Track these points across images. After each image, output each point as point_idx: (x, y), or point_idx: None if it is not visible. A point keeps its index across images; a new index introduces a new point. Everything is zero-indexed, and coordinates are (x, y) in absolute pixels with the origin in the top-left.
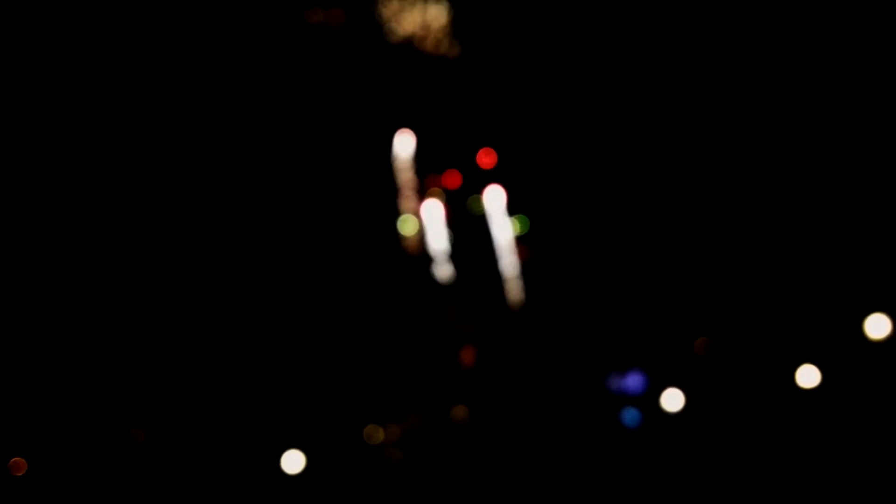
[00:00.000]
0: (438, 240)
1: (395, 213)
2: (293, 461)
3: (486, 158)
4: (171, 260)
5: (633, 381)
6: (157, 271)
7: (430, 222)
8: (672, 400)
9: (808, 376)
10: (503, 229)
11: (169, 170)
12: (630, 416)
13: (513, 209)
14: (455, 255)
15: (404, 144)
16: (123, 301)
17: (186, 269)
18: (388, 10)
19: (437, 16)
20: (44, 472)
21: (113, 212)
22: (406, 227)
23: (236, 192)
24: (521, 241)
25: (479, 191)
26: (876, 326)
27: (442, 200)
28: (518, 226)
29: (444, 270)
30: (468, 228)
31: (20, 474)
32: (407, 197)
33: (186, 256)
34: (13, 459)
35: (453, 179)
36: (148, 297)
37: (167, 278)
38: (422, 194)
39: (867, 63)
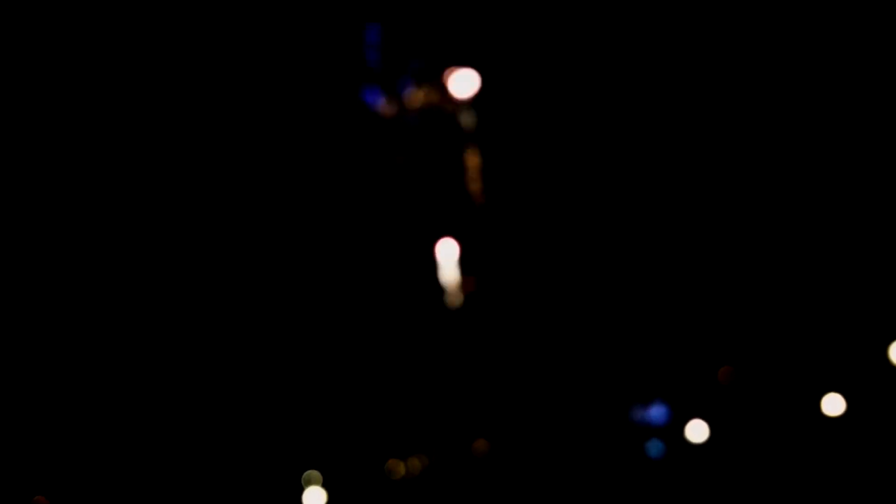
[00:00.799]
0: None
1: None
2: (315, 499)
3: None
4: (172, 262)
5: (657, 412)
6: (157, 272)
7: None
8: (696, 431)
9: (833, 405)
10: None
11: (168, 170)
12: (654, 447)
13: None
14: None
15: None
16: (122, 301)
17: (190, 274)
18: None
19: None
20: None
21: (113, 211)
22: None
23: (237, 191)
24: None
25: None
26: None
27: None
28: None
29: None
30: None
31: None
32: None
33: (188, 258)
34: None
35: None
36: (148, 300)
37: (168, 280)
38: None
39: (867, 63)
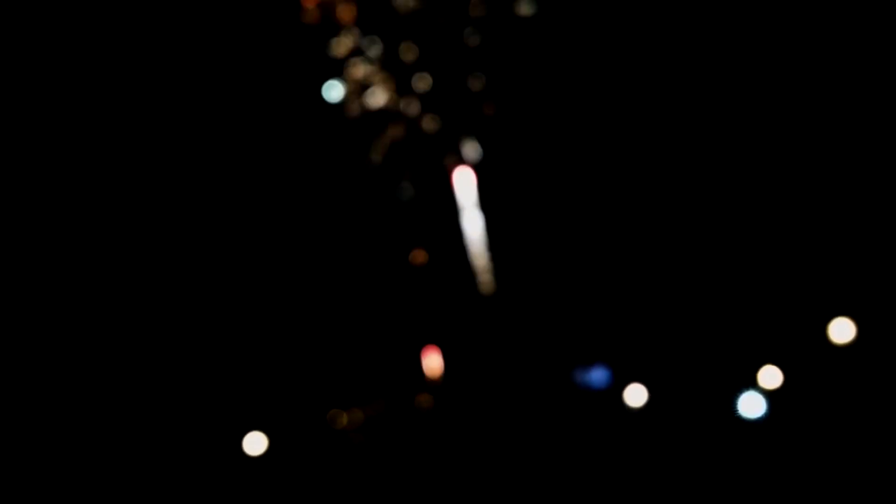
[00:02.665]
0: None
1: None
2: (255, 443)
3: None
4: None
5: (598, 376)
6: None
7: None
8: (635, 395)
9: (770, 377)
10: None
11: (168, 170)
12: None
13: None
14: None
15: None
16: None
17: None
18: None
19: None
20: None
21: (112, 211)
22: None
23: (236, 185)
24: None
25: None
26: (840, 331)
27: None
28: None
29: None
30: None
31: None
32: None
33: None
34: None
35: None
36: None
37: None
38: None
39: (867, 63)
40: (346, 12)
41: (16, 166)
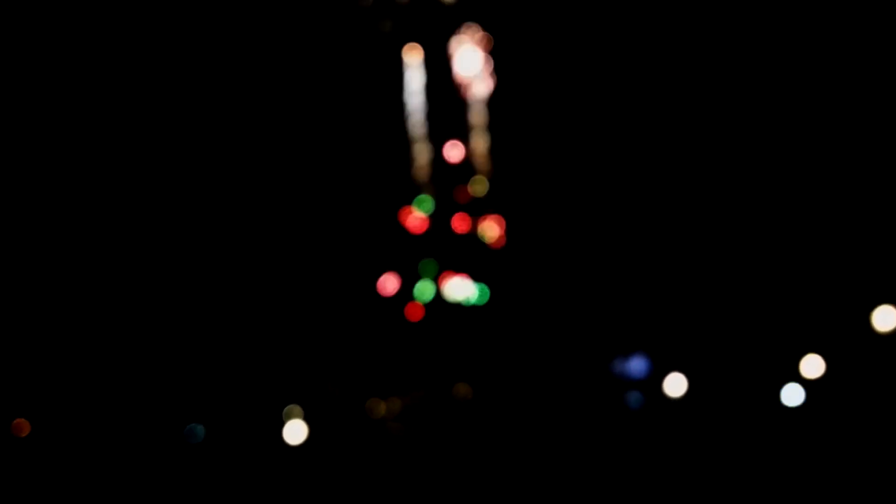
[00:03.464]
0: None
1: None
2: (296, 432)
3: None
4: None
5: (637, 365)
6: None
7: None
8: (675, 385)
9: (812, 366)
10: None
11: (169, 169)
12: (633, 398)
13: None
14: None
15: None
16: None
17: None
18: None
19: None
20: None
21: (112, 210)
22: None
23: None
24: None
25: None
26: (884, 318)
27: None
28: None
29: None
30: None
31: (24, 435)
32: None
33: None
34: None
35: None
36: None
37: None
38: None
39: (867, 63)
40: None
41: (16, 166)
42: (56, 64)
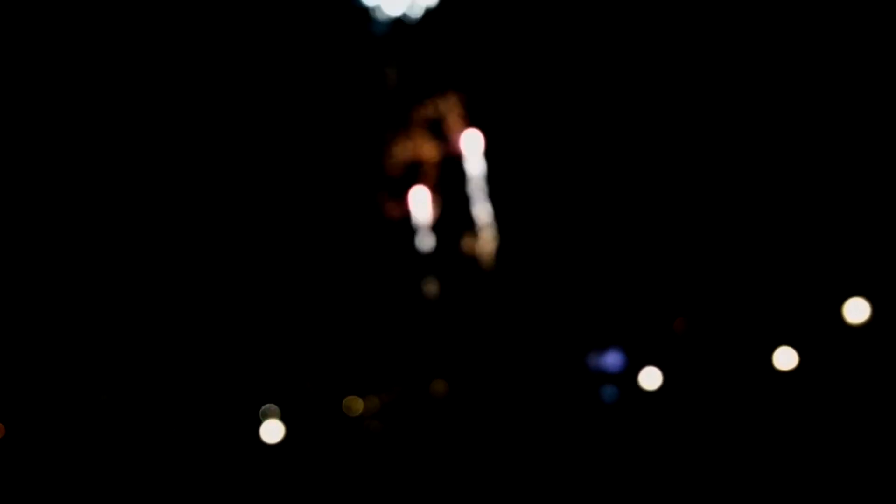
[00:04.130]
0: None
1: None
2: (272, 431)
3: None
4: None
5: (612, 360)
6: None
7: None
8: (650, 378)
9: (785, 358)
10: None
11: (174, 169)
12: (608, 392)
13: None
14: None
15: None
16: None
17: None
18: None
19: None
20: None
21: (112, 210)
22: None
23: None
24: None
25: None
26: (855, 311)
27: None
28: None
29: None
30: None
31: None
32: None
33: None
34: None
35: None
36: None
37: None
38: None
39: (867, 63)
40: None
41: (16, 166)
42: (56, 64)
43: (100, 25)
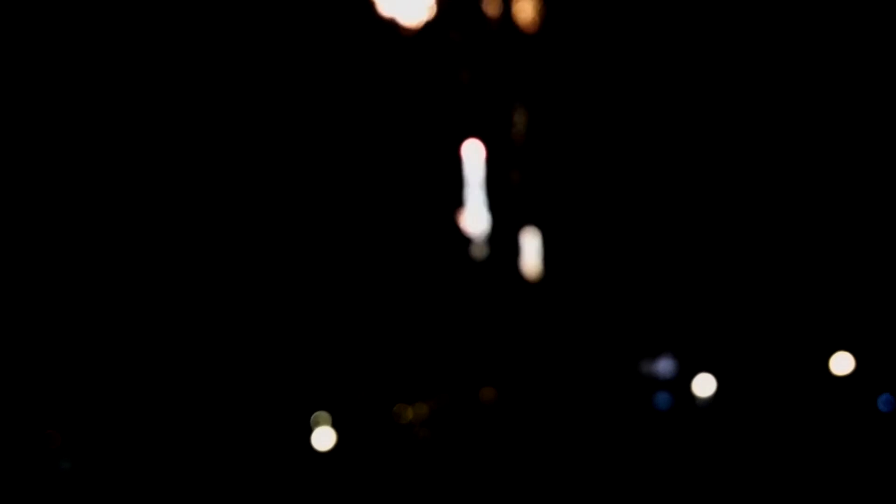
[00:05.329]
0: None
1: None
2: (324, 438)
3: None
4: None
5: (665, 366)
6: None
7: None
8: (703, 385)
9: (842, 364)
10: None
11: (183, 169)
12: (661, 399)
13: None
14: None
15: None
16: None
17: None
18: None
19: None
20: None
21: (112, 211)
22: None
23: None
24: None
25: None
26: None
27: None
28: None
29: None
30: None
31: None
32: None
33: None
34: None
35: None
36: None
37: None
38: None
39: (867, 63)
40: None
41: (16, 166)
42: (56, 64)
43: (104, 24)
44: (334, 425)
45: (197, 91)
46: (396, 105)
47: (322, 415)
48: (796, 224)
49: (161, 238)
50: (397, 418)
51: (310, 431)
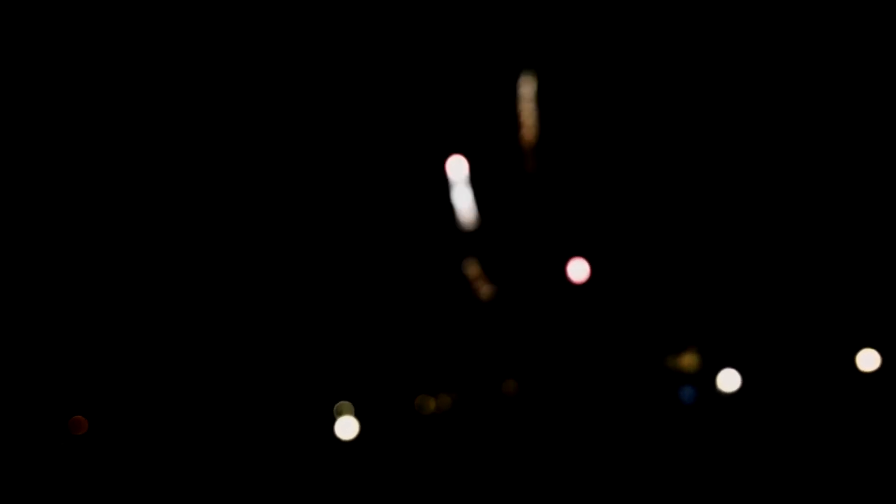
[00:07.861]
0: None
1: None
2: (347, 428)
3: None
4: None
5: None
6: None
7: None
8: (729, 380)
9: (868, 360)
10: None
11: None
12: (686, 393)
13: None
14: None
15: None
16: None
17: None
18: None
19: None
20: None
21: (113, 211)
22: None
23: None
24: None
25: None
26: None
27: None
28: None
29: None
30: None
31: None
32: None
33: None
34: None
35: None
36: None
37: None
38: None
39: (867, 63)
40: None
41: (16, 166)
42: (56, 64)
43: (107, 23)
44: (357, 415)
45: (197, 91)
46: (396, 105)
47: (345, 404)
48: (823, 220)
49: (178, 234)
50: (420, 409)
51: (333, 421)
